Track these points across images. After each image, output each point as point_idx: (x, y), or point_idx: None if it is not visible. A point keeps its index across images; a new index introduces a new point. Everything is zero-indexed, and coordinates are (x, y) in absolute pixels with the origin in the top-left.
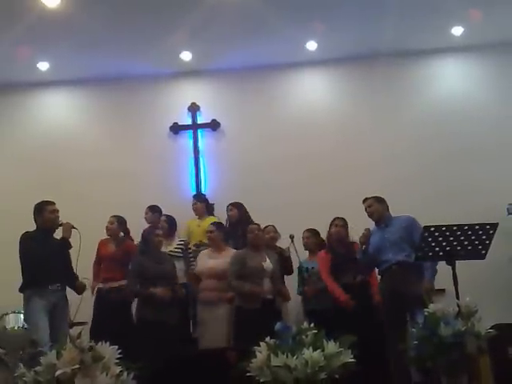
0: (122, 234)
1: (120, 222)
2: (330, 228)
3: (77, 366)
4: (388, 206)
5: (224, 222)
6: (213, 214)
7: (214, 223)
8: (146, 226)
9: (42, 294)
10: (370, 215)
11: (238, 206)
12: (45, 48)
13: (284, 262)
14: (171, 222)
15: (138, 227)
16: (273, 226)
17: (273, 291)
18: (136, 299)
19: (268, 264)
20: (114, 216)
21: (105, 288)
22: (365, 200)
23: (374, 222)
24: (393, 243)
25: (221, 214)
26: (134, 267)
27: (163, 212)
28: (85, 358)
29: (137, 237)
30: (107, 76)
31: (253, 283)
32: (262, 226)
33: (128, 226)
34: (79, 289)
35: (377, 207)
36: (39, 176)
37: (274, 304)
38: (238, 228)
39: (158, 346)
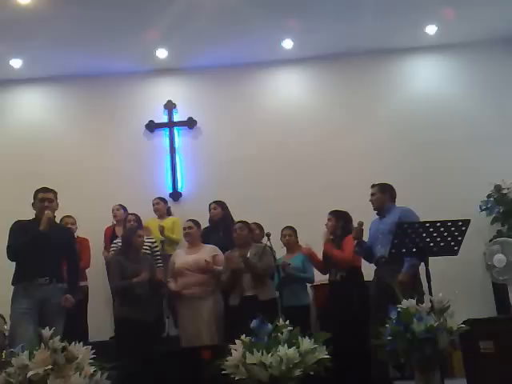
0: None
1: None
2: None
3: (49, 367)
4: (393, 196)
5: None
6: (171, 215)
7: (191, 220)
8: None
9: (28, 289)
10: (372, 204)
11: (221, 205)
12: (18, 45)
13: None
14: (139, 220)
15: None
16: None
17: (253, 287)
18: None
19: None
20: (69, 216)
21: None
22: (372, 186)
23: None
24: (384, 235)
25: (199, 212)
26: (115, 266)
27: (141, 210)
28: (58, 358)
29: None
30: (82, 73)
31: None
32: None
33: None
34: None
35: (377, 197)
36: (12, 174)
37: (256, 300)
38: (220, 226)
39: (135, 345)
